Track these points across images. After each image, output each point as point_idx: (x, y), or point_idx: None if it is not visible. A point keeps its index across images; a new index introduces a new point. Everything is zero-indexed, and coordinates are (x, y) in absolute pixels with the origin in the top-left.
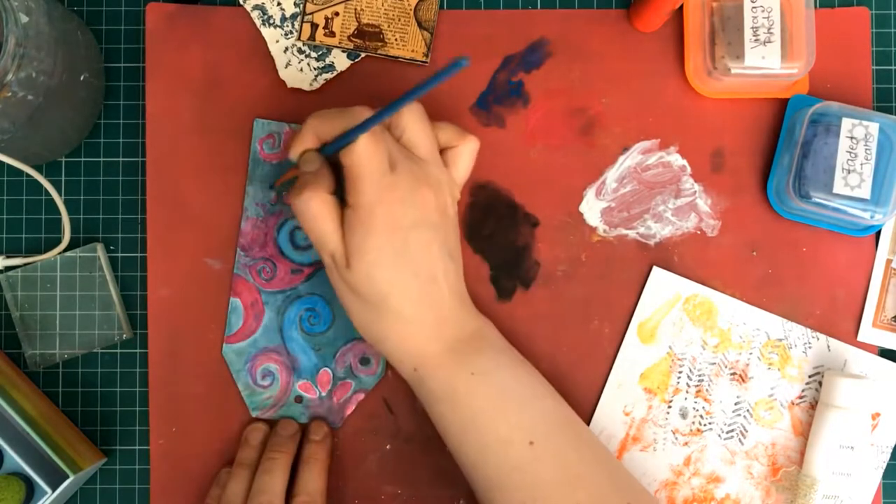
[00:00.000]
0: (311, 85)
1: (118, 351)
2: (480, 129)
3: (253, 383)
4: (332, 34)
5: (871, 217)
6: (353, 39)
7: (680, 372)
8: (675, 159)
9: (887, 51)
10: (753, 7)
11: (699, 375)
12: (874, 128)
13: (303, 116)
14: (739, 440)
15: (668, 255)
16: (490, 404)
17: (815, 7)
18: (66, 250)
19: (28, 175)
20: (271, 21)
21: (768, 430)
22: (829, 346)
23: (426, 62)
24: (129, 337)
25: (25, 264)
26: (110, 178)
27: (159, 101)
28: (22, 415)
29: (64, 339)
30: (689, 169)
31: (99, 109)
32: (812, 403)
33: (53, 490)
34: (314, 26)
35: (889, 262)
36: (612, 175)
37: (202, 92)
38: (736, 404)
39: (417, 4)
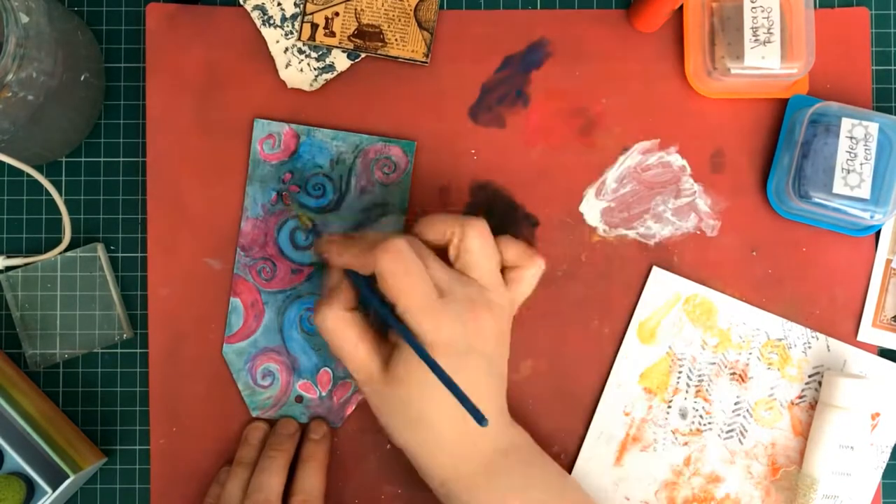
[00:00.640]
0: (311, 85)
1: (118, 351)
2: (480, 129)
3: (253, 383)
4: (333, 34)
5: (871, 217)
6: (354, 39)
7: (680, 372)
8: (675, 159)
9: (887, 51)
10: (753, 7)
11: (699, 375)
12: (874, 128)
13: (303, 117)
14: (739, 440)
15: (668, 255)
16: None
17: (815, 7)
18: (66, 250)
19: (28, 175)
20: (271, 21)
21: (768, 429)
22: (828, 346)
23: (426, 62)
24: (129, 337)
25: (26, 264)
26: (110, 178)
27: (159, 101)
28: (22, 415)
29: (64, 338)
30: (689, 169)
31: (99, 109)
32: (812, 403)
33: (54, 490)
34: (314, 26)
35: (889, 262)
36: (612, 175)
37: (202, 92)
38: (736, 404)
39: (417, 4)
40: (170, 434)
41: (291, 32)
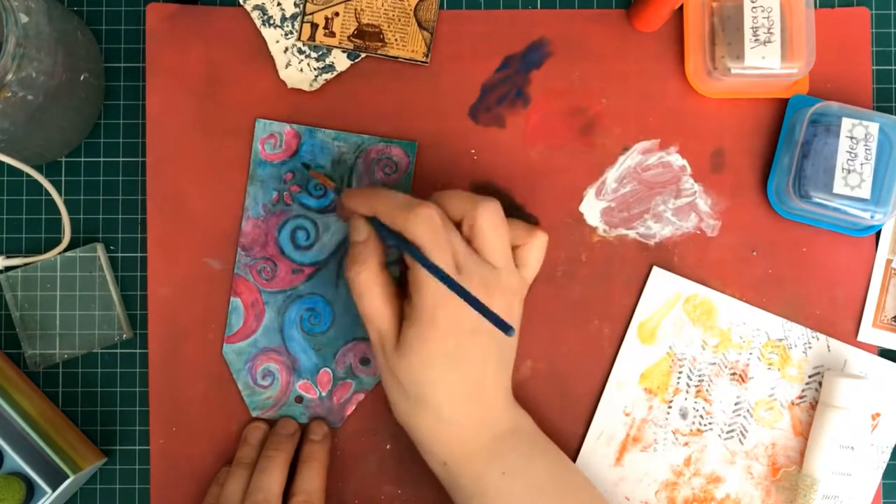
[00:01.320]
0: (311, 85)
1: (118, 351)
2: (480, 130)
3: (253, 383)
4: (332, 34)
5: (871, 217)
6: (353, 39)
7: (680, 372)
8: (675, 159)
9: (887, 51)
10: (753, 7)
11: (699, 375)
12: (874, 128)
13: (303, 117)
14: (739, 440)
15: (668, 255)
16: (520, 503)
17: (815, 7)
18: (66, 250)
19: (28, 175)
20: (271, 21)
21: (768, 430)
22: (828, 347)
23: (426, 62)
24: (129, 337)
25: (25, 264)
26: (110, 178)
27: (159, 102)
28: (22, 415)
29: (64, 339)
30: (689, 169)
31: (99, 109)
32: (812, 403)
33: (53, 490)
34: (314, 26)
35: (889, 262)
36: (612, 175)
37: (202, 92)
38: (736, 404)
39: (417, 4)
40: (169, 434)
41: (291, 32)
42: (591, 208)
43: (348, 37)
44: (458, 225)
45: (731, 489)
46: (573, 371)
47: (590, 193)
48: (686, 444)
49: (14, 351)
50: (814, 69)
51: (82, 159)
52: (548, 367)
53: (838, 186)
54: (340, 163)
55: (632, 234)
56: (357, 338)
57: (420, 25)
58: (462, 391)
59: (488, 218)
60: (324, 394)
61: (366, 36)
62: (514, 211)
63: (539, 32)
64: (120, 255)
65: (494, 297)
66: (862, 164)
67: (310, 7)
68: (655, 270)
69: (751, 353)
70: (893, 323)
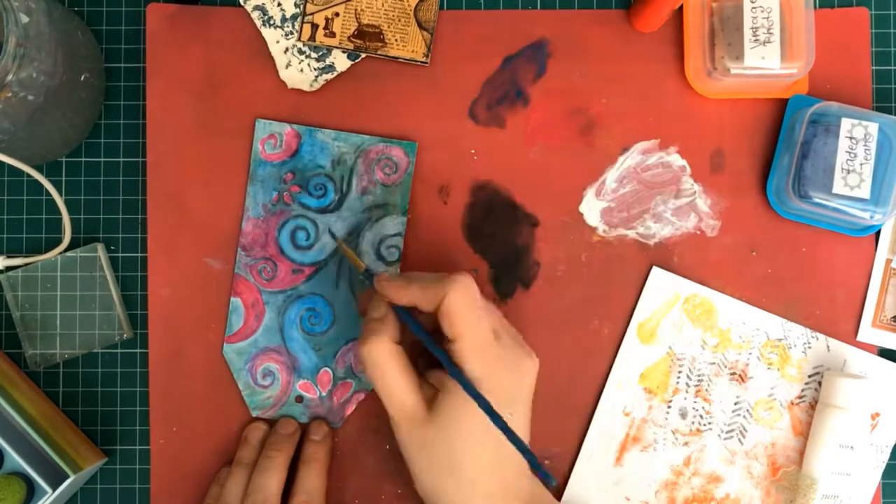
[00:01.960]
0: (311, 86)
1: (119, 351)
2: (480, 130)
3: (253, 383)
4: (333, 35)
5: (871, 217)
6: (354, 40)
7: (680, 372)
8: (675, 159)
9: (887, 51)
10: (753, 7)
11: (699, 375)
12: (874, 128)
13: (303, 117)
14: (739, 440)
15: (667, 255)
16: None
17: (815, 7)
18: (66, 250)
19: (28, 175)
20: (272, 22)
21: (768, 429)
22: (828, 346)
23: (426, 62)
24: (129, 337)
25: (26, 264)
26: (111, 178)
27: (160, 102)
28: (22, 415)
29: (64, 338)
30: (688, 169)
31: (99, 109)
32: (812, 403)
33: (54, 490)
34: (314, 27)
35: (889, 262)
36: (612, 175)
37: (202, 92)
38: (735, 404)
39: (417, 4)
40: (170, 434)
41: (291, 33)
42: (591, 208)
43: (348, 37)
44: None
45: (731, 489)
46: (573, 371)
47: (590, 193)
48: (686, 443)
49: (14, 351)
50: (813, 69)
51: (83, 159)
52: (548, 366)
53: (838, 186)
54: (340, 163)
55: (631, 234)
56: (357, 338)
57: (420, 26)
58: (494, 459)
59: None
60: (324, 393)
61: (366, 36)
62: (514, 211)
63: (539, 32)
64: (120, 255)
65: (525, 359)
66: (861, 165)
67: (310, 7)
68: (655, 270)
69: (750, 353)
70: (893, 323)
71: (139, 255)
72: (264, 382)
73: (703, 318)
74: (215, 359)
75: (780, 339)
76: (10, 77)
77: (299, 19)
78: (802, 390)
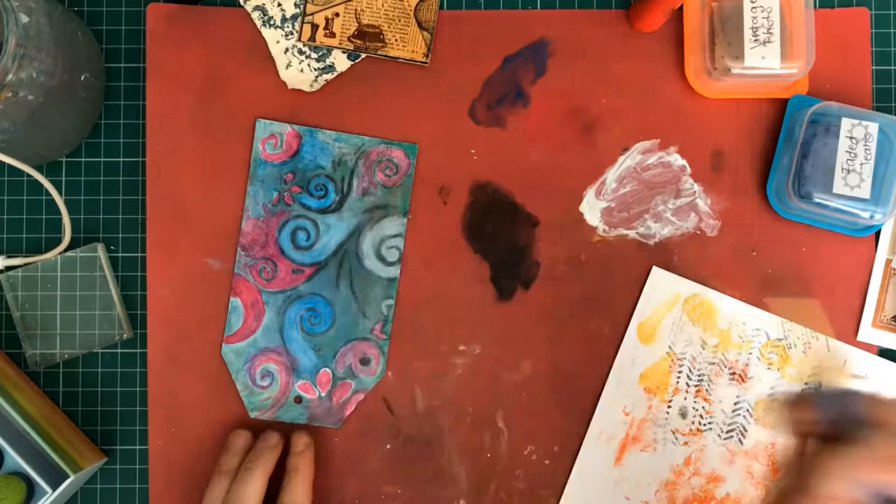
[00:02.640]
0: (311, 86)
1: (119, 351)
2: (480, 130)
3: (252, 384)
4: (333, 35)
5: (871, 217)
6: (354, 40)
7: (680, 372)
8: (675, 159)
9: (887, 51)
10: (753, 7)
11: (699, 375)
12: (874, 128)
13: (303, 117)
14: (739, 440)
15: (667, 255)
16: None
17: (815, 7)
18: (66, 250)
19: (28, 175)
20: (272, 22)
21: (768, 429)
22: (828, 346)
23: (426, 62)
24: (129, 337)
25: (26, 264)
26: (111, 178)
27: (159, 101)
28: (22, 415)
29: (64, 338)
30: (689, 169)
31: (99, 109)
32: None
33: (54, 490)
34: (314, 27)
35: (889, 262)
36: (612, 175)
37: (202, 92)
38: (736, 404)
39: (417, 5)
40: (168, 435)
41: (292, 33)
42: (591, 208)
43: (348, 37)
44: None
45: (731, 489)
46: (573, 371)
47: (590, 193)
48: (686, 443)
49: (14, 351)
50: (814, 69)
51: (82, 159)
52: (548, 367)
53: (838, 186)
54: (341, 164)
55: (632, 234)
56: (357, 338)
57: (420, 26)
58: None
59: None
60: (323, 394)
61: (366, 36)
62: (514, 211)
63: (539, 32)
64: (120, 254)
65: None
66: (861, 164)
67: (310, 8)
68: (655, 270)
69: (750, 353)
70: (893, 323)
71: (139, 254)
72: (263, 383)
73: (703, 318)
74: (214, 359)
75: (780, 339)
76: (10, 77)
77: (299, 19)
78: (803, 390)
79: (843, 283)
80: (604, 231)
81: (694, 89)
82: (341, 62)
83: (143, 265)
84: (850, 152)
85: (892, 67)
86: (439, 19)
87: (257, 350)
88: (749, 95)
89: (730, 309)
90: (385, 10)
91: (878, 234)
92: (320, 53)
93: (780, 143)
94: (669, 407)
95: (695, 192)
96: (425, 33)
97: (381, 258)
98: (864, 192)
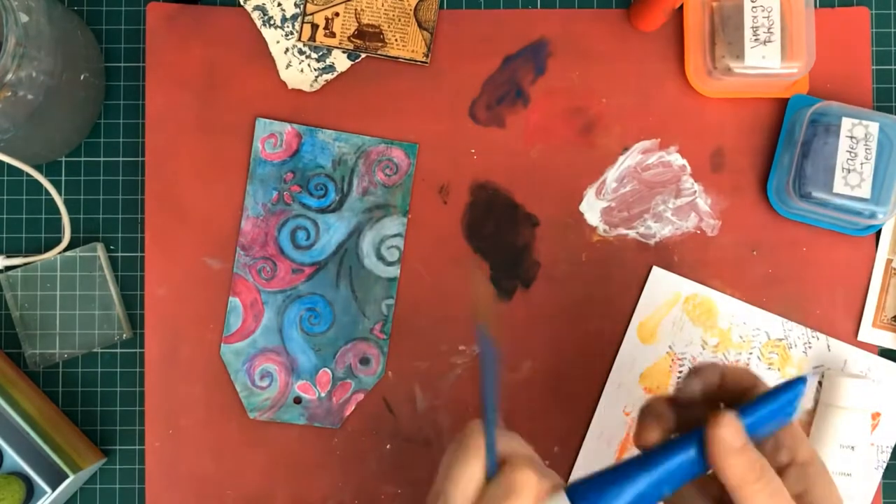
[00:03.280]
0: (311, 86)
1: (118, 351)
2: (480, 129)
3: (251, 384)
4: (333, 35)
5: (872, 217)
6: (354, 40)
7: (680, 371)
8: (675, 159)
9: (887, 51)
10: (753, 7)
11: None
12: (874, 127)
13: (303, 117)
14: None
15: (668, 255)
16: None
17: (815, 7)
18: (66, 250)
19: (28, 175)
20: (272, 22)
21: None
22: (829, 346)
23: (426, 62)
24: (129, 337)
25: (25, 264)
26: (110, 177)
27: (159, 101)
28: (22, 415)
29: (64, 338)
30: (689, 169)
31: (99, 109)
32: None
33: (53, 490)
34: (314, 27)
35: (889, 262)
36: (612, 175)
37: (202, 92)
38: None
39: (417, 4)
40: (165, 436)
41: (292, 33)
42: (591, 208)
43: (348, 37)
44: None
45: None
46: (573, 371)
47: (590, 193)
48: None
49: (14, 351)
50: (814, 69)
51: (82, 159)
52: (548, 367)
53: (838, 186)
54: (341, 163)
55: (632, 233)
56: (357, 338)
57: (420, 25)
58: None
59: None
60: (323, 394)
61: (366, 36)
62: (514, 211)
63: (539, 32)
64: (120, 254)
65: None
66: (862, 164)
67: (310, 7)
68: (655, 270)
69: (751, 353)
70: (893, 323)
71: (139, 254)
72: (262, 384)
73: (704, 317)
74: (213, 360)
75: (780, 339)
76: (9, 76)
77: (299, 19)
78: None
79: (844, 283)
80: (604, 231)
81: (694, 89)
82: (341, 62)
83: (142, 265)
84: (850, 152)
85: (892, 67)
86: (439, 19)
87: (256, 350)
88: (749, 95)
89: (730, 309)
90: (385, 10)
91: (878, 233)
92: (320, 53)
93: (780, 143)
94: None
95: (695, 191)
96: (425, 33)
97: (381, 258)
98: (865, 191)
